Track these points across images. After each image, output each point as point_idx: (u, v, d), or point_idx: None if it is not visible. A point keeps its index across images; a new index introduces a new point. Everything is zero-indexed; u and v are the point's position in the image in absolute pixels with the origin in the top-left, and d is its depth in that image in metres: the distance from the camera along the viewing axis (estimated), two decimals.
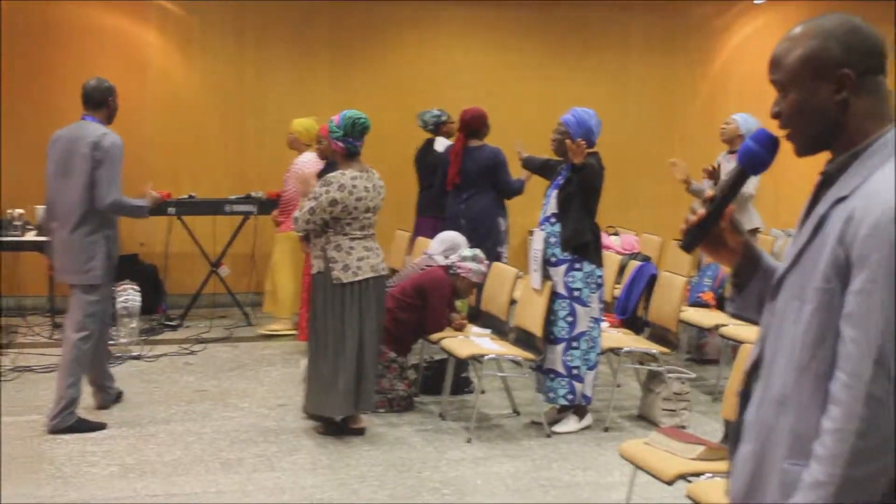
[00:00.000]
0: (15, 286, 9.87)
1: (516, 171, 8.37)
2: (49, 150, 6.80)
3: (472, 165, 8.43)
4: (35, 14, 10.58)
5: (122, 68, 10.65)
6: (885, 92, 2.24)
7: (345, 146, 6.48)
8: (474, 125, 8.52)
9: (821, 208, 2.20)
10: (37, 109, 10.52)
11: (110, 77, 7.06)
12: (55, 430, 6.56)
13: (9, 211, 9.31)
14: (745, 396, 2.37)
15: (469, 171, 8.43)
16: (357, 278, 6.45)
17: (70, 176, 6.64)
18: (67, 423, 6.60)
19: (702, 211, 2.45)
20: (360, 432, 6.67)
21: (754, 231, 8.16)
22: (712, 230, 2.45)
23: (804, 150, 2.29)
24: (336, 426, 6.70)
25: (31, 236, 9.37)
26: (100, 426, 6.71)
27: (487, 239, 8.17)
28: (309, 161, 8.87)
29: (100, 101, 6.79)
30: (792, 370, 2.19)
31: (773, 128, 2.36)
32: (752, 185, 8.21)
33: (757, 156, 2.40)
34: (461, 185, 8.49)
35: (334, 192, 6.35)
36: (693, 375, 7.39)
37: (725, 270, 8.17)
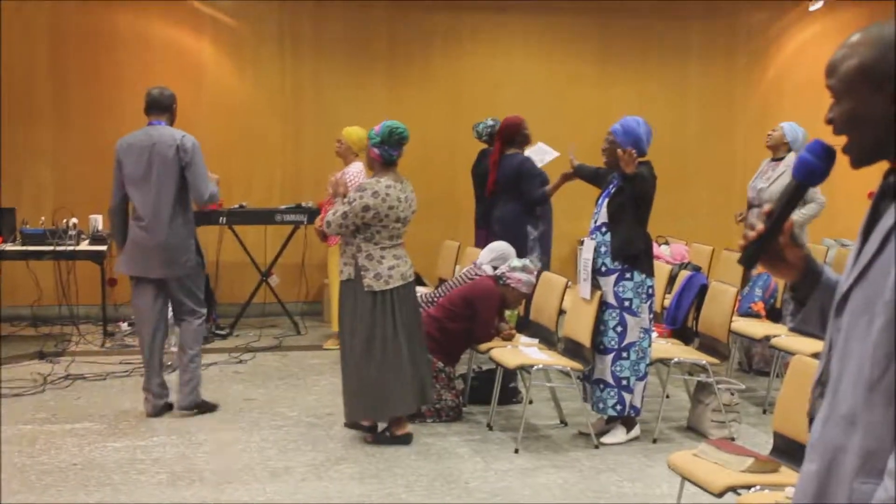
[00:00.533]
0: (68, 295, 9.97)
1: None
2: (122, 155, 7.12)
3: (504, 173, 8.47)
4: (91, 23, 10.72)
5: (176, 78, 10.74)
6: None
7: (380, 154, 6.52)
8: (507, 133, 8.54)
9: (888, 220, 2.16)
10: (91, 119, 10.67)
11: (165, 86, 7.25)
12: (189, 407, 7.21)
13: (64, 220, 9.43)
14: (812, 416, 2.33)
15: (502, 178, 8.48)
16: (388, 287, 6.49)
17: (150, 178, 7.02)
18: (198, 399, 7.24)
19: (760, 226, 2.42)
20: (405, 440, 6.68)
21: None
22: (772, 245, 2.43)
23: (859, 160, 2.25)
24: (382, 434, 6.71)
25: (85, 245, 9.48)
26: (214, 406, 7.42)
27: (515, 246, 8.12)
28: (360, 171, 8.90)
29: (167, 107, 7.19)
30: (861, 388, 2.13)
31: (826, 135, 2.34)
32: (811, 211, 8.23)
33: (813, 167, 2.36)
34: (496, 192, 8.53)
35: (368, 198, 6.40)
36: (743, 387, 7.31)
37: (777, 281, 8.08)
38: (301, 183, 11.14)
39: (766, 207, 2.46)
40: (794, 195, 2.41)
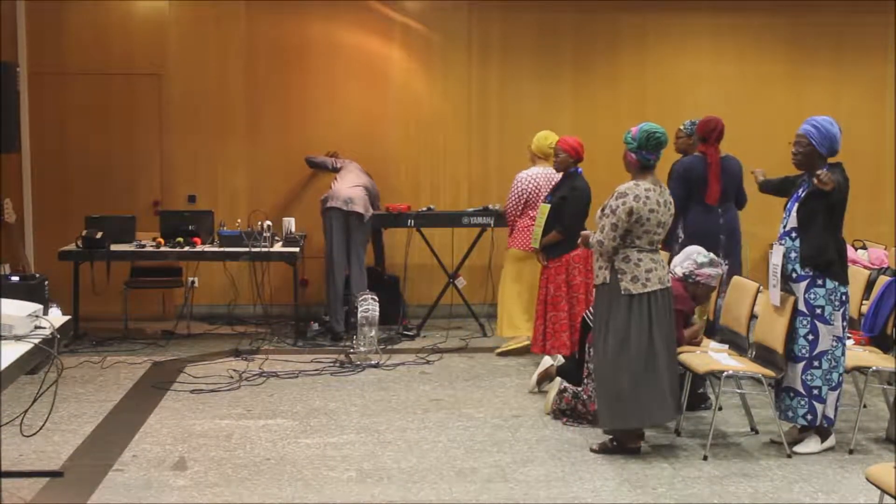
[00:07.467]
0: (262, 295, 10.31)
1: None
2: None
3: (729, 176, 8.25)
4: (282, 36, 11.04)
5: (367, 85, 11.02)
6: None
7: (637, 159, 6.51)
8: (719, 134, 8.28)
9: None
10: (280, 130, 10.99)
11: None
12: None
13: (259, 223, 9.74)
14: None
15: (728, 183, 8.27)
16: (646, 290, 6.43)
17: None
18: None
19: None
20: (635, 451, 6.56)
21: None
22: None
23: None
24: (607, 444, 6.64)
25: (278, 247, 9.77)
26: None
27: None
28: (535, 175, 9.05)
29: None
30: None
31: None
32: None
33: None
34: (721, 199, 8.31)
35: (631, 202, 6.37)
36: None
37: None
38: (488, 185, 11.21)
39: None
40: None
